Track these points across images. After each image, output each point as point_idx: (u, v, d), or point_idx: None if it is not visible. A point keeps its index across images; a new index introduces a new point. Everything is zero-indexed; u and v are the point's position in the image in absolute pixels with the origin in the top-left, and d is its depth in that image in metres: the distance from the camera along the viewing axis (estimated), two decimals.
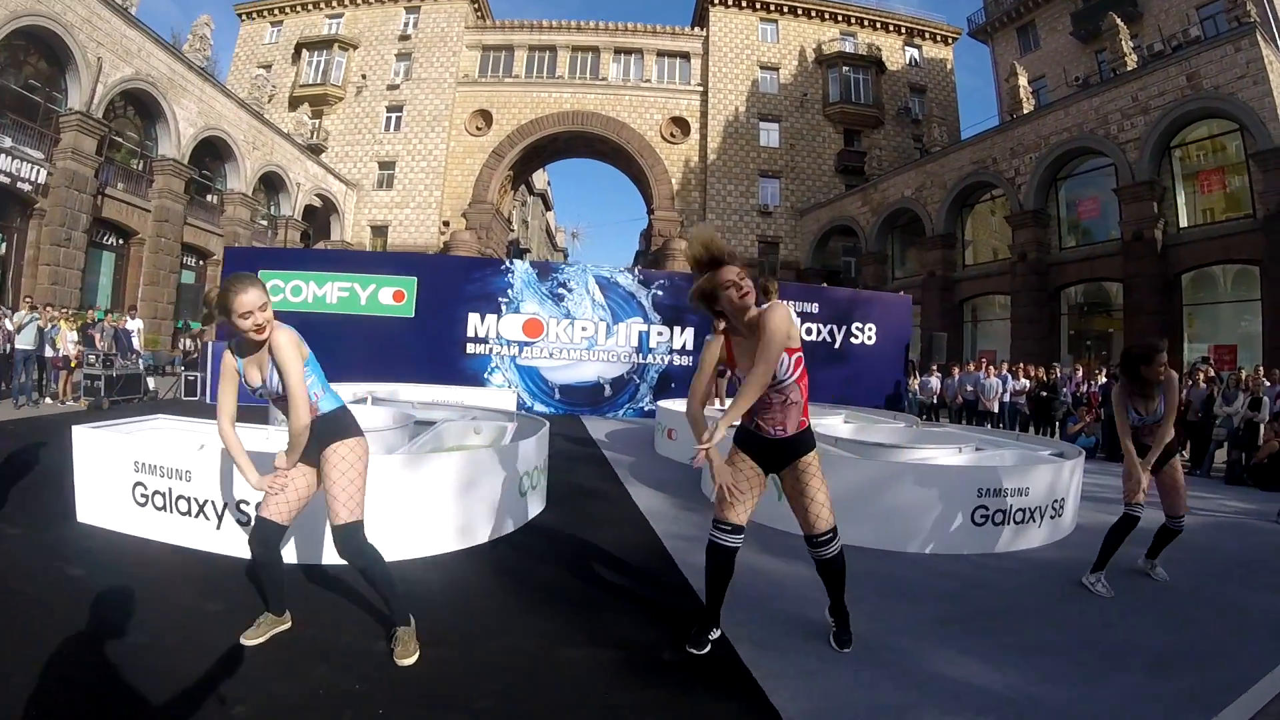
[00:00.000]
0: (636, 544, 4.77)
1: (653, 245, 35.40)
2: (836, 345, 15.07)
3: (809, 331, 14.93)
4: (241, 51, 37.65)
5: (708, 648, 2.99)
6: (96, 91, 19.17)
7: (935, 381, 15.64)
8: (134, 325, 16.10)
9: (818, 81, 35.53)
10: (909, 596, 3.96)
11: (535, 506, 5.37)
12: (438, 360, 13.56)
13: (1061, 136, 20.95)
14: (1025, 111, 23.34)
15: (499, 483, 4.70)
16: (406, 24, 36.54)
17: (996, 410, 13.87)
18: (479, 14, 37.67)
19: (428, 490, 4.30)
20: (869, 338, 15.24)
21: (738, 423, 3.01)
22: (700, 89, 35.28)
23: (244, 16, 37.99)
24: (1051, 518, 5.18)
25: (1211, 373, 10.97)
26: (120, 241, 22.48)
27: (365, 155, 35.43)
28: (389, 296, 14.09)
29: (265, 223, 29.61)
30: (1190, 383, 10.52)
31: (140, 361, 15.03)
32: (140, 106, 22.19)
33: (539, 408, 13.66)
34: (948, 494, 4.84)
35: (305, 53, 36.09)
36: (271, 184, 29.63)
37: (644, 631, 3.26)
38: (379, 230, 34.83)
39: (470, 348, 13.89)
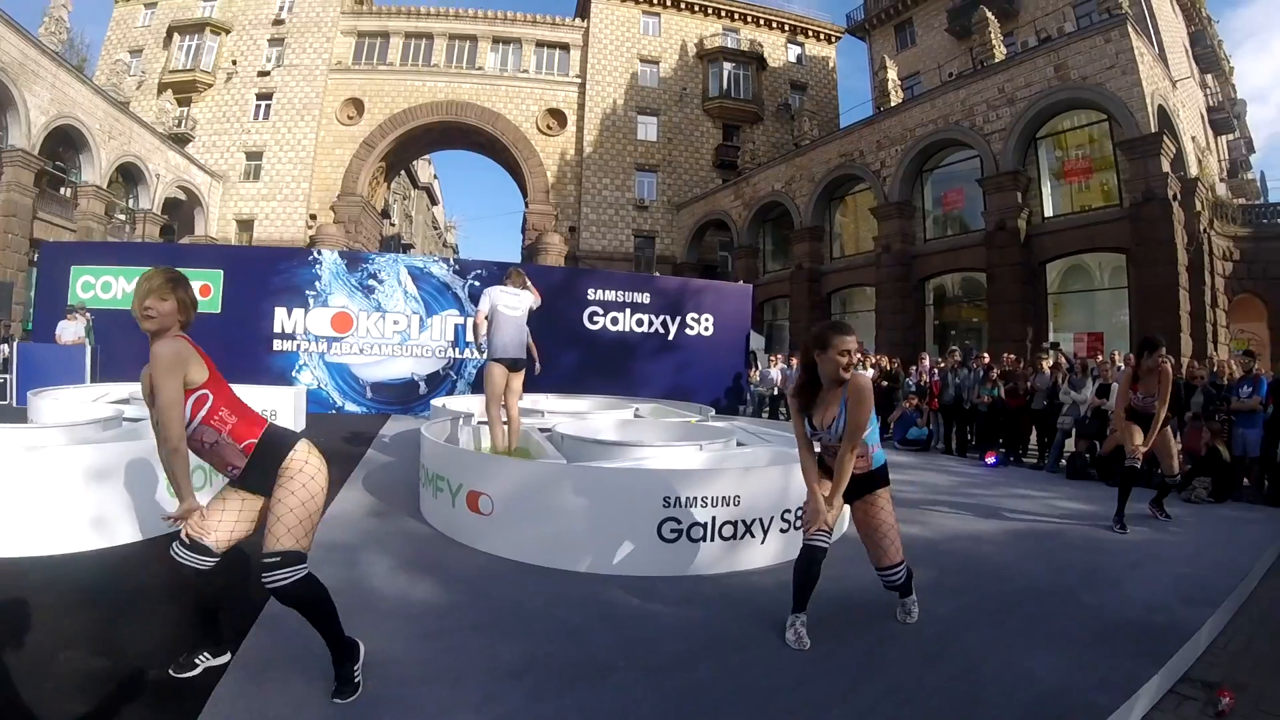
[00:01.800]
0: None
1: (525, 239, 34.73)
2: (670, 336, 14.68)
3: (639, 323, 14.60)
4: (113, 35, 34.62)
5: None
6: None
7: (776, 373, 15.38)
8: None
9: (698, 76, 35.45)
10: (510, 633, 3.18)
11: None
12: (244, 357, 12.40)
13: (928, 129, 21.19)
14: (894, 104, 23.65)
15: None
16: (282, 8, 34.43)
17: None
18: None
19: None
20: (705, 328, 14.93)
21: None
22: (579, 81, 34.61)
23: None
24: (784, 531, 4.33)
25: (1061, 360, 10.56)
26: None
27: (233, 145, 33.23)
28: (195, 291, 12.99)
29: (124, 216, 27.46)
30: (1032, 370, 10.38)
31: None
32: None
33: (350, 407, 12.85)
34: (631, 503, 4.11)
35: (177, 36, 33.59)
36: (130, 175, 27.36)
37: None
38: (245, 224, 32.68)
39: (277, 344, 12.85)
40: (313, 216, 32.98)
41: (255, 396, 10.07)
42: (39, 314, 13.26)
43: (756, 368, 16.49)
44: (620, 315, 14.48)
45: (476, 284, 13.28)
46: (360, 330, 12.95)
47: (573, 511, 4.16)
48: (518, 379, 6.47)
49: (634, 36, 35.44)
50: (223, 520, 2.55)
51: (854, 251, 25.17)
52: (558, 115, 34.66)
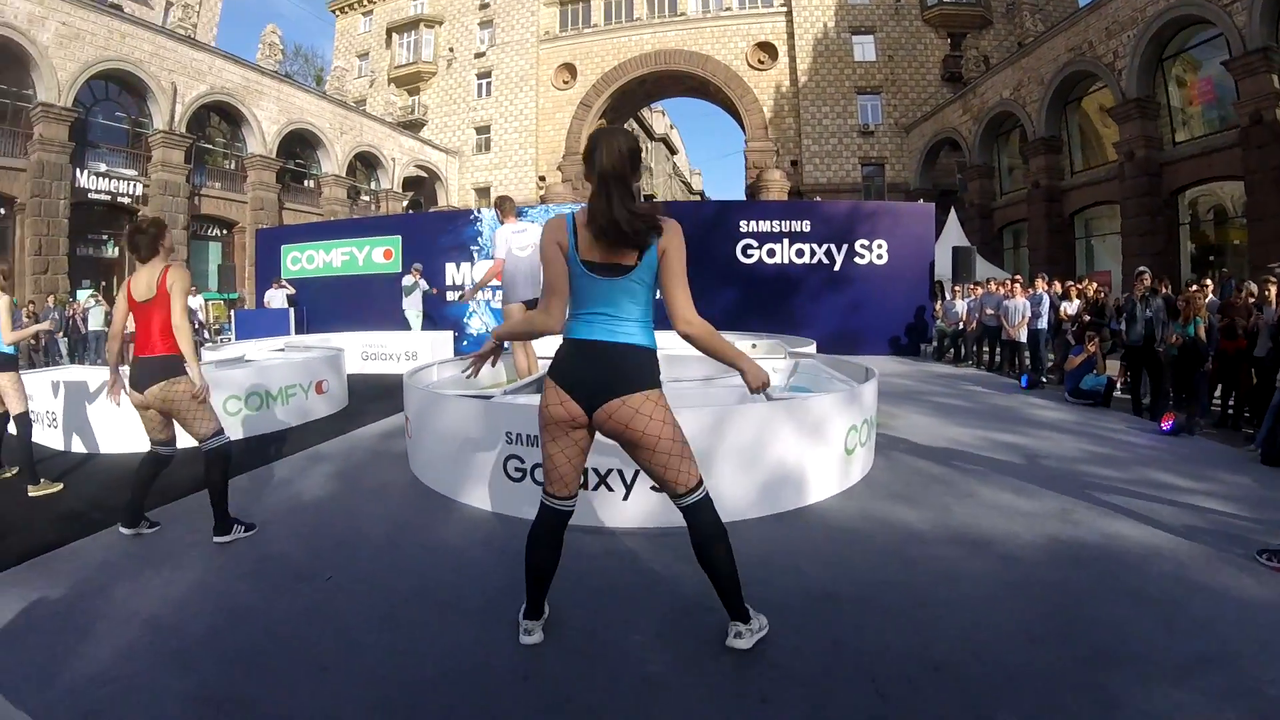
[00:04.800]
0: None
1: (747, 177, 33.85)
2: (837, 267, 13.54)
3: (798, 254, 13.55)
4: (340, 44, 40.78)
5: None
6: (176, 110, 21.89)
7: (961, 305, 13.40)
8: (194, 303, 18.03)
9: None
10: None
11: None
12: (423, 310, 13.95)
13: (1158, 5, 17.05)
14: None
15: None
16: None
17: (1024, 338, 10.94)
18: None
19: None
20: (878, 256, 13.56)
21: None
22: (784, 9, 32.77)
23: (337, 12, 40.98)
24: (656, 490, 3.31)
25: None
26: (224, 232, 25.28)
27: (462, 123, 37.00)
28: (380, 255, 14.85)
29: (367, 198, 31.80)
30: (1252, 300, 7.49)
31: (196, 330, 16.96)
32: (224, 114, 24.86)
33: None
34: (480, 437, 3.93)
35: (395, 36, 38.28)
36: (369, 162, 31.86)
37: None
38: (482, 192, 36.26)
39: (450, 295, 14.13)
40: (541, 178, 35.60)
41: (413, 341, 11.50)
42: (258, 286, 15.80)
43: (942, 299, 14.60)
44: (777, 246, 13.65)
45: None
46: None
47: (442, 440, 4.18)
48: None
49: None
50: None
51: (1098, 163, 21.07)
52: (767, 48, 33.24)
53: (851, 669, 2.25)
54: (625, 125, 42.27)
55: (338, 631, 2.55)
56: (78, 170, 19.56)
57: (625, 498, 3.56)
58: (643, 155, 2.24)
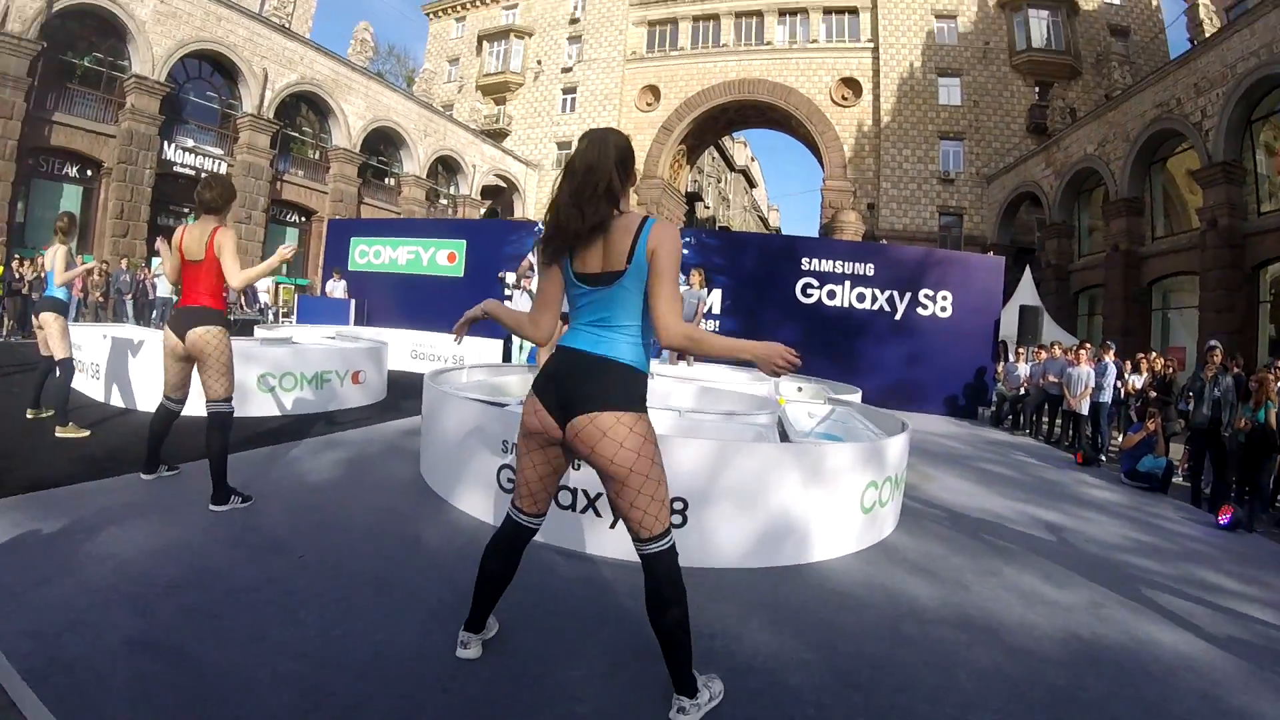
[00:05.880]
0: None
1: (823, 216, 33.40)
2: (898, 316, 13.13)
3: (859, 298, 13.21)
4: (432, 47, 41.98)
5: None
6: (265, 96, 22.79)
7: (1024, 369, 12.81)
8: (263, 283, 18.68)
9: (1002, 28, 30.94)
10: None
11: None
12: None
13: (1249, 63, 16.05)
14: (1207, 35, 18.39)
15: None
16: (576, 7, 37.97)
17: (1086, 411, 10.41)
18: None
19: None
20: (942, 308, 13.09)
21: None
22: (871, 45, 32.35)
23: (431, 15, 42.26)
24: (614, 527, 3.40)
25: None
26: (303, 219, 26.19)
27: (544, 136, 37.56)
28: (444, 258, 15.14)
29: (445, 202, 32.50)
30: None
31: (258, 310, 17.58)
32: (312, 105, 25.75)
33: None
34: (477, 443, 3.89)
35: (486, 44, 39.17)
36: (450, 166, 32.60)
37: None
38: None
39: (508, 304, 14.24)
40: None
41: (462, 345, 11.65)
42: (324, 275, 16.22)
43: (1004, 360, 13.97)
44: (838, 288, 13.30)
45: (686, 252, 13.22)
46: None
47: (445, 442, 4.11)
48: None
49: None
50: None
51: (1180, 230, 19.90)
52: (852, 84, 32.85)
53: None
54: (705, 153, 42.45)
55: (287, 605, 2.60)
56: (165, 143, 20.41)
57: (612, 525, 3.40)
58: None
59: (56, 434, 4.84)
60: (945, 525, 4.85)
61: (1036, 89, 30.48)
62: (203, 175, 21.32)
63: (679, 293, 2.00)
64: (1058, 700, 2.50)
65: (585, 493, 3.44)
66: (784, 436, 4.57)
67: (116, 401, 6.29)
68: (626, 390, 2.01)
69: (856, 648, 2.76)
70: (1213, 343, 7.87)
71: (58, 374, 5.23)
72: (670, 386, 6.71)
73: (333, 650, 2.30)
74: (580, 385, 2.00)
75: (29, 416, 5.39)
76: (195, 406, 3.84)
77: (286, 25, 24.99)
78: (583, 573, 3.22)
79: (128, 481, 3.91)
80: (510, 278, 13.05)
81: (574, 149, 2.08)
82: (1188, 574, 4.34)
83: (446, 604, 2.68)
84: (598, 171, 2.00)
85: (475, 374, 6.04)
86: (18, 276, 13.42)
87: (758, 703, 2.26)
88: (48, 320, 5.27)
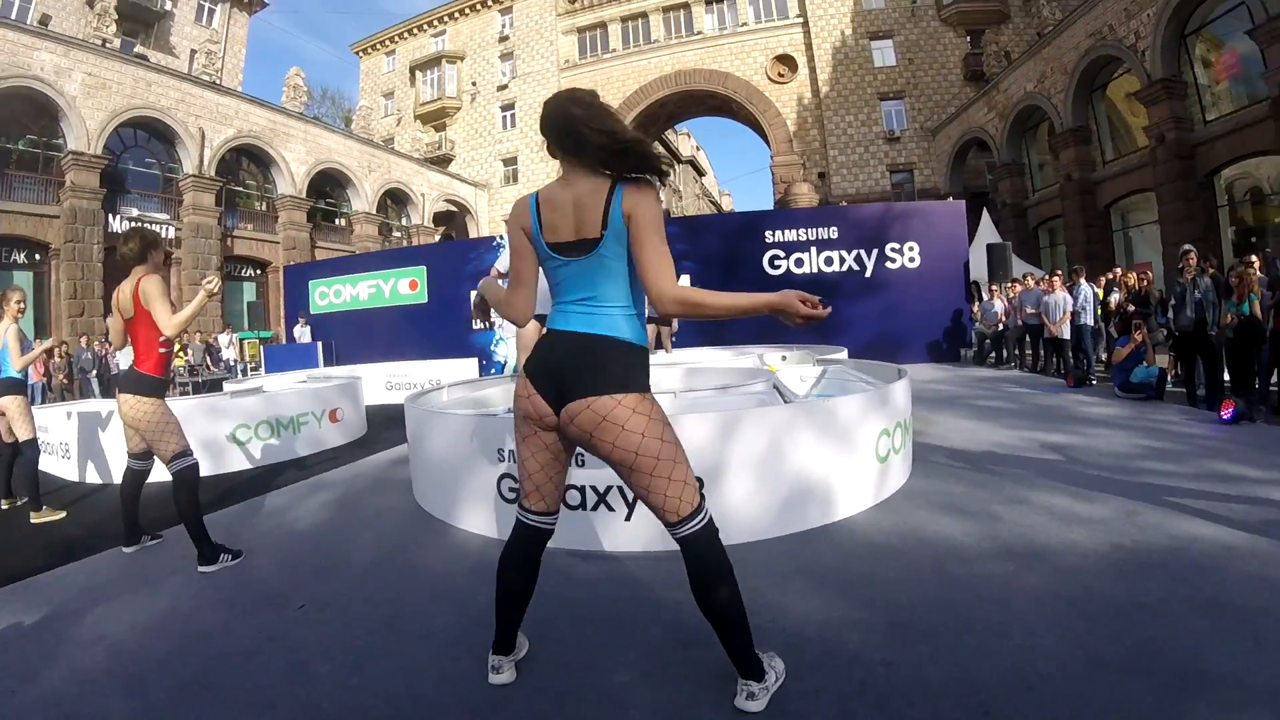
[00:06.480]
0: None
1: (775, 193, 33.46)
2: (868, 273, 13.22)
3: (827, 262, 13.20)
4: (366, 84, 41.66)
5: None
6: (205, 155, 22.31)
7: (1000, 305, 12.88)
8: (225, 339, 18.24)
9: None
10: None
11: None
12: (448, 338, 13.92)
13: None
14: None
15: None
16: (503, 25, 37.86)
17: (1067, 335, 10.43)
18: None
19: None
20: (910, 259, 13.20)
21: None
22: (800, 20, 32.45)
23: (361, 53, 42.01)
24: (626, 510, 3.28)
25: None
26: (258, 272, 25.67)
27: (490, 156, 37.31)
28: (406, 286, 14.88)
29: (399, 234, 32.10)
30: None
31: (225, 368, 17.12)
32: (253, 157, 25.30)
33: None
34: (473, 454, 3.64)
35: (419, 73, 38.96)
36: (399, 198, 32.14)
37: None
38: None
39: (476, 324, 14.02)
40: None
41: (436, 369, 11.38)
42: (287, 323, 15.89)
43: (979, 300, 14.07)
44: (805, 255, 13.41)
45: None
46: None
47: (436, 461, 3.89)
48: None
49: None
50: None
51: (1129, 151, 20.15)
52: (787, 60, 32.95)
53: (880, 715, 1.87)
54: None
55: (293, 661, 2.37)
56: (110, 215, 19.94)
57: (628, 518, 3.22)
58: (669, 180, 1.93)
59: (32, 520, 4.62)
60: (958, 464, 4.78)
61: (968, 38, 30.77)
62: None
63: (668, 252, 1.81)
64: (1119, 609, 2.42)
65: (594, 489, 3.24)
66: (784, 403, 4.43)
67: (91, 478, 6.02)
68: (626, 370, 1.83)
69: (906, 597, 2.62)
70: (1186, 246, 7.86)
71: (24, 456, 5.00)
72: (655, 374, 6.52)
73: (353, 703, 2.07)
74: (575, 368, 1.83)
75: (3, 506, 5.16)
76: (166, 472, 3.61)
77: (217, 81, 24.63)
78: (605, 572, 3.03)
79: (110, 558, 3.68)
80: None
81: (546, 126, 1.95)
82: (1207, 470, 4.32)
83: (466, 630, 2.48)
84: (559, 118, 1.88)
85: (454, 392, 5.82)
86: None
87: (822, 672, 2.08)
88: (7, 404, 5.02)
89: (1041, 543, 3.11)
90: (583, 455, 3.08)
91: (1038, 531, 3.26)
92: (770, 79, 32.98)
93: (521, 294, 2.00)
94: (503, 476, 3.46)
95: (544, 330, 2.02)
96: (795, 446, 3.39)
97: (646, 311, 1.99)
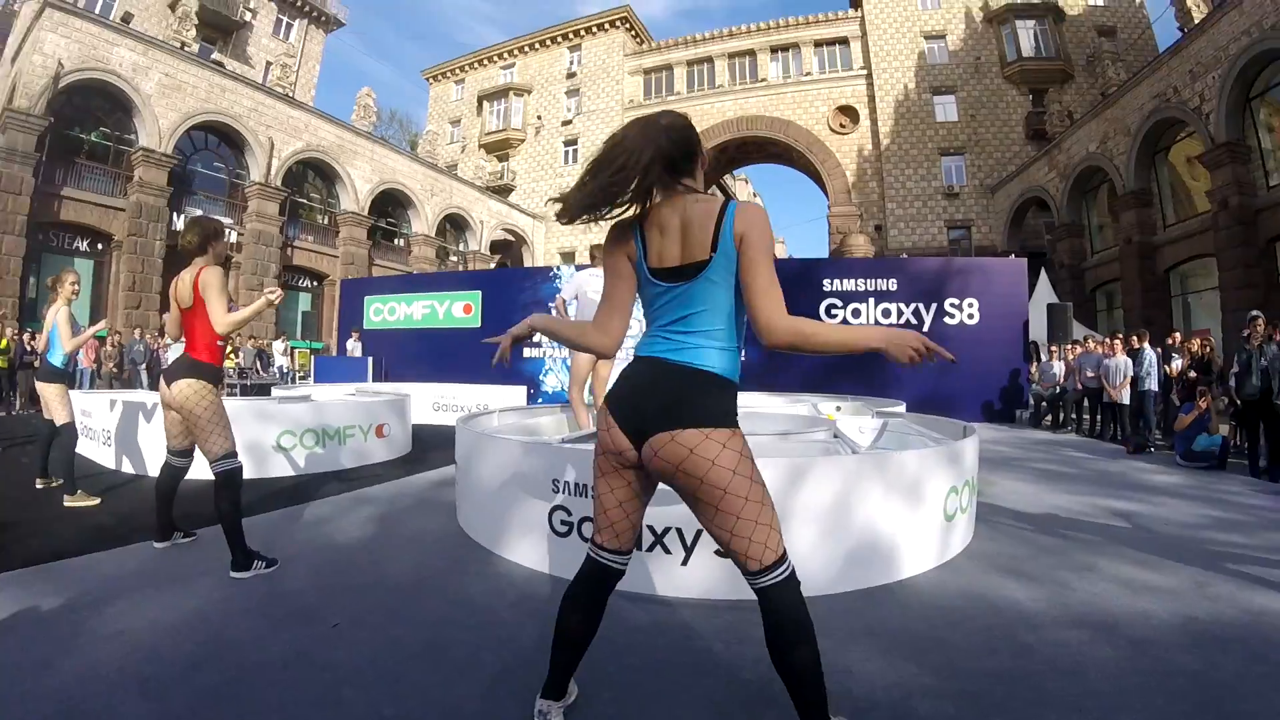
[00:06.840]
0: None
1: (831, 243, 33.28)
2: (926, 328, 12.86)
3: (885, 314, 12.98)
4: (434, 110, 43.07)
5: None
6: (272, 165, 23.06)
7: (1059, 367, 12.57)
8: (278, 346, 18.63)
9: (990, 42, 31.13)
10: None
11: None
12: (498, 365, 13.90)
13: (1240, 42, 16.02)
14: (1196, 21, 18.28)
15: None
16: (571, 62, 38.89)
17: (1127, 400, 10.19)
18: (637, 40, 38.72)
19: None
20: (969, 316, 12.88)
21: None
22: (864, 72, 32.67)
23: (431, 80, 43.49)
24: (722, 555, 2.98)
25: None
26: (315, 283, 26.31)
27: (549, 189, 37.89)
28: (460, 310, 14.99)
29: (455, 258, 32.69)
30: None
31: (276, 374, 17.50)
32: (319, 171, 26.09)
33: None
34: (523, 483, 3.51)
35: (486, 103, 40.17)
36: (458, 224, 32.85)
37: None
38: (567, 256, 36.81)
39: (527, 351, 14.08)
40: None
41: (485, 393, 11.31)
42: (341, 335, 16.14)
43: (1037, 361, 13.66)
44: (862, 306, 13.18)
45: None
46: None
47: (485, 487, 3.76)
48: (606, 366, 6.01)
49: (913, 14, 32.44)
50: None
51: (1189, 215, 19.65)
52: (848, 112, 33.08)
53: None
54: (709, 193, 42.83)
55: (325, 681, 2.25)
56: (175, 214, 20.55)
57: (684, 562, 3.06)
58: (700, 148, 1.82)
59: (65, 503, 4.66)
60: (1021, 526, 4.60)
61: (1031, 96, 30.52)
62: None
63: (777, 280, 1.68)
64: (1197, 685, 2.32)
65: (651, 529, 3.08)
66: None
67: (127, 468, 6.08)
68: (713, 404, 1.70)
69: (977, 664, 2.45)
70: (1255, 312, 7.62)
71: (62, 438, 5.12)
72: None
73: None
74: (661, 398, 1.71)
75: (39, 486, 5.23)
76: (207, 469, 3.51)
77: (290, 94, 25.43)
78: (658, 617, 2.86)
79: (139, 550, 3.62)
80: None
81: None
82: (1274, 542, 4.26)
83: (510, 668, 2.35)
84: (626, 147, 1.72)
85: (506, 417, 5.75)
86: (29, 350, 13.33)
87: None
88: (45, 389, 5.18)
89: (1113, 612, 2.98)
90: None
91: (1108, 600, 3.14)
92: (832, 129, 33.08)
93: (617, 320, 1.86)
94: (555, 508, 3.33)
95: (584, 322, 1.91)
96: (863, 499, 3.22)
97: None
